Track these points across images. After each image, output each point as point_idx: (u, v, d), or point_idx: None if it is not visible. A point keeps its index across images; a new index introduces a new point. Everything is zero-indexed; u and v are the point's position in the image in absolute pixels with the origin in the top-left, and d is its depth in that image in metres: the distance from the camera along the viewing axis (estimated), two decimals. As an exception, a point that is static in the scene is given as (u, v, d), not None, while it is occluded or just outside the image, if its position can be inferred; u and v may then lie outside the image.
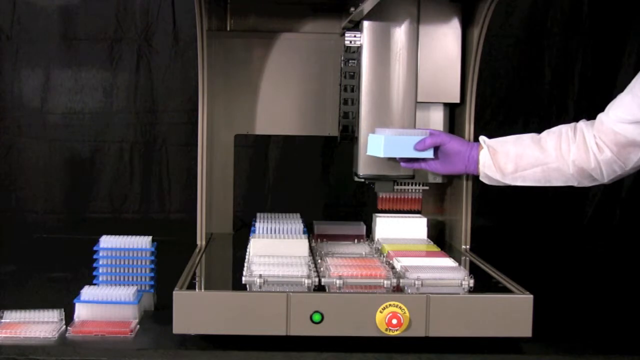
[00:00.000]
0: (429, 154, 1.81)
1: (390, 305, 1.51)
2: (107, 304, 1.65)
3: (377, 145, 1.80)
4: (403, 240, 2.02)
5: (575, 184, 1.74)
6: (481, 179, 1.82)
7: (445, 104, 2.06)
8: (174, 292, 1.51)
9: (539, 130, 1.79)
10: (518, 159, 1.75)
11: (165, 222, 2.83)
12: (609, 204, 2.87)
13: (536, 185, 1.77)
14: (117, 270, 1.78)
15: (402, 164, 1.86)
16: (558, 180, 1.74)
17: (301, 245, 1.77)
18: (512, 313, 1.53)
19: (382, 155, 1.80)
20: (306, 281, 1.58)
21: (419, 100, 1.91)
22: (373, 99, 1.86)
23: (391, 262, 1.77)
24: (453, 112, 2.09)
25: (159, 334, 1.60)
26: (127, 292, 1.66)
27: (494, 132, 1.86)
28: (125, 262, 1.78)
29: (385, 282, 1.59)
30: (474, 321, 1.53)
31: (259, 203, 2.81)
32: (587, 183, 1.73)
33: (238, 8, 2.23)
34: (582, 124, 1.71)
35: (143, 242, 1.79)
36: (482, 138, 1.82)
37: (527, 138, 1.77)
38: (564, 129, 1.73)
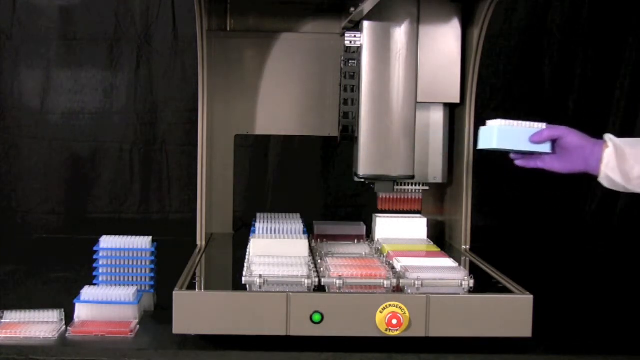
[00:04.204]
0: (546, 147, 1.60)
1: (390, 305, 1.51)
2: (107, 304, 1.65)
3: (489, 136, 1.63)
4: (403, 240, 2.02)
5: None
6: (600, 179, 1.57)
7: (445, 104, 2.06)
8: (174, 292, 1.51)
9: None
10: None
11: (165, 222, 2.82)
12: (609, 204, 2.86)
13: None
14: (117, 271, 1.78)
15: (516, 162, 1.67)
16: None
17: (301, 245, 1.77)
18: (512, 313, 1.53)
19: (494, 147, 1.62)
20: (306, 281, 1.58)
21: (419, 100, 1.91)
22: (373, 99, 1.86)
23: (391, 262, 1.77)
24: (453, 112, 2.09)
25: (159, 334, 1.60)
26: (127, 292, 1.66)
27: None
28: (125, 262, 1.78)
29: (385, 282, 1.59)
30: (473, 321, 1.53)
31: (259, 203, 2.80)
32: None
33: (238, 8, 2.24)
34: None
35: (143, 242, 1.79)
36: (607, 136, 1.57)
37: None
38: None
